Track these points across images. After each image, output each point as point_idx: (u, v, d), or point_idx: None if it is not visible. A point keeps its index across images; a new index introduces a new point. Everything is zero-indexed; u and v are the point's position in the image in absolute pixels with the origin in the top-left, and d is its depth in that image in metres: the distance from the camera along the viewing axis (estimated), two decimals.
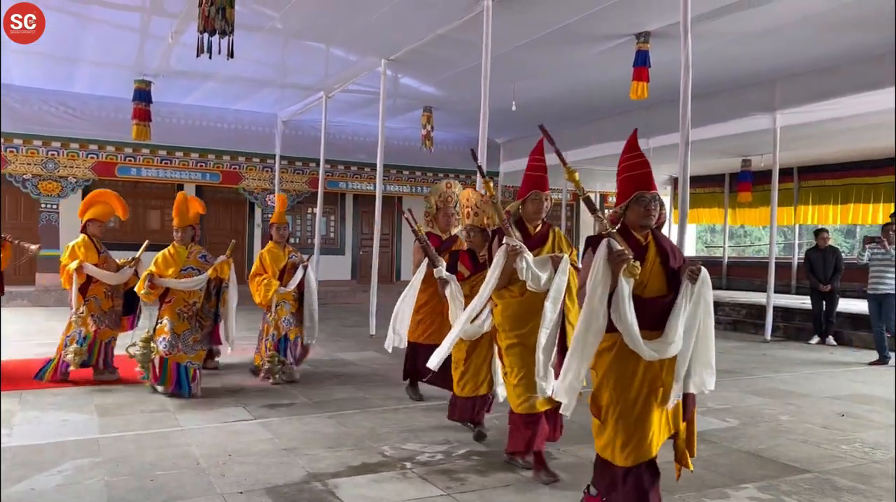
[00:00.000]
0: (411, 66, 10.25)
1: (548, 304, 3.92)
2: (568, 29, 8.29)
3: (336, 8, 8.24)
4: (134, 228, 15.20)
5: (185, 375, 5.97)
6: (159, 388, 6.05)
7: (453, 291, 4.74)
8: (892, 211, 10.31)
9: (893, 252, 8.78)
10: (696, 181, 17.10)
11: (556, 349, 3.92)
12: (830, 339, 10.72)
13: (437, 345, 5.07)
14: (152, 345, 6.01)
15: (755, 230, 27.75)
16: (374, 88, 10.76)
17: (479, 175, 4.21)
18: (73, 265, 6.40)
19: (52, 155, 13.55)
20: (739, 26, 8.05)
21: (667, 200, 20.71)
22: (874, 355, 9.05)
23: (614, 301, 3.05)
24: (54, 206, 13.74)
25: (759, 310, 11.61)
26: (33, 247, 6.95)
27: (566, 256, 4.07)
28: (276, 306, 6.78)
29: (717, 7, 7.36)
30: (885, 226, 9.29)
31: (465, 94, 10.78)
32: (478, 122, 7.53)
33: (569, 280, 4.02)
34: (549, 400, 3.93)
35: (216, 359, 7.40)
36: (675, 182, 17.20)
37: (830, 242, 10.93)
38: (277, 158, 15.07)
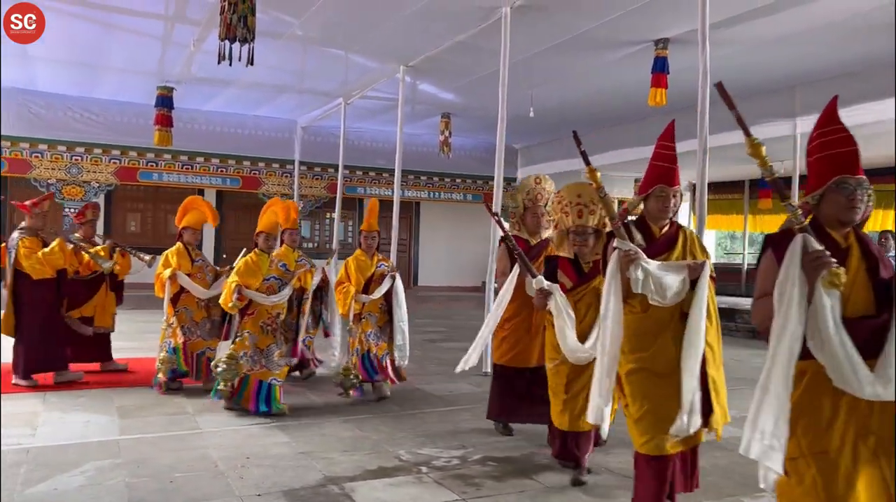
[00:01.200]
0: (430, 73, 10.31)
1: (693, 322, 3.21)
2: (586, 35, 8.30)
3: (355, 15, 8.31)
4: (155, 232, 15.40)
5: (266, 393, 5.56)
6: (221, 401, 5.64)
7: (559, 304, 3.96)
8: None
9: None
10: (716, 187, 16.98)
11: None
12: None
13: (525, 369, 4.80)
14: (240, 362, 5.52)
15: None
16: (392, 95, 10.83)
17: (583, 162, 3.47)
18: (167, 273, 6.22)
19: (76, 160, 13.76)
20: (758, 32, 8.01)
21: (685, 206, 20.63)
22: None
23: (809, 320, 2.36)
24: (77, 211, 13.93)
25: None
26: (147, 257, 6.90)
27: (708, 263, 3.35)
28: (362, 318, 6.23)
29: (736, 14, 7.34)
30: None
31: (483, 100, 10.83)
32: (496, 127, 7.56)
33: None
34: (685, 439, 3.28)
35: (314, 368, 7.22)
36: (693, 188, 17.11)
37: None
38: (297, 164, 15.18)
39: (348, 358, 6.30)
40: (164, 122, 11.63)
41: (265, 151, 15.08)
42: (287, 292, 5.72)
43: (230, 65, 5.38)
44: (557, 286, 4.03)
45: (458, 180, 17.36)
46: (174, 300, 6.33)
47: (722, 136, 10.08)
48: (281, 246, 6.34)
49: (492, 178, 7.83)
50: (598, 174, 3.39)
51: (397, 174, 10.33)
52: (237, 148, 14.83)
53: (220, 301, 5.62)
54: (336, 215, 12.90)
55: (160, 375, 6.28)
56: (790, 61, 9.15)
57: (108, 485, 3.95)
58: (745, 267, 18.02)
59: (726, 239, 27.50)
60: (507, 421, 5.16)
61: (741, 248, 19.23)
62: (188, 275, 6.33)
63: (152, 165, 14.39)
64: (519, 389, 4.88)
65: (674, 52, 8.40)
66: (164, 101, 11.60)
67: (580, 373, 4.03)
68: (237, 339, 5.61)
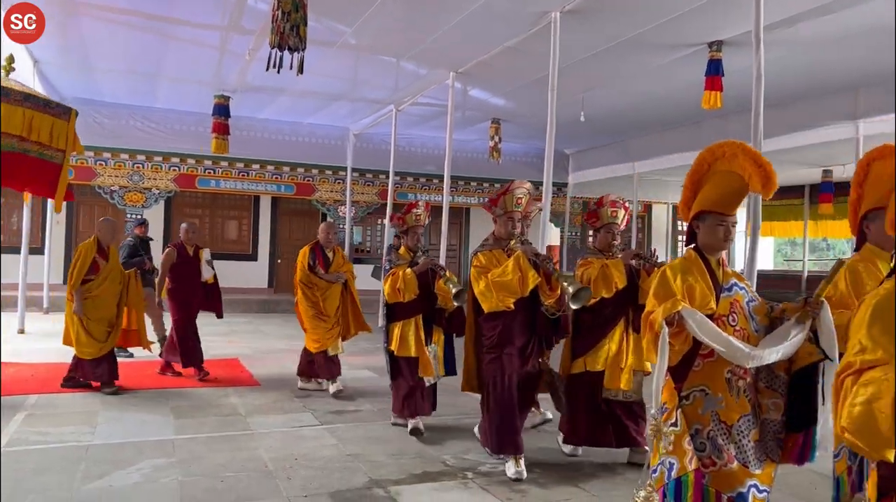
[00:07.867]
0: (480, 79, 10.31)
1: None
2: (637, 39, 8.18)
3: (406, 22, 8.37)
4: (212, 237, 15.80)
5: None
6: None
7: None
8: None
9: None
10: (775, 192, 16.53)
11: None
12: None
13: None
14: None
15: (839, 243, 26.64)
16: (442, 101, 10.87)
17: None
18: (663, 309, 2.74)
19: (138, 167, 14.21)
20: (816, 33, 7.76)
21: (742, 212, 20.13)
22: None
23: None
24: (139, 216, 14.38)
25: None
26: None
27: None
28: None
29: (792, 14, 7.13)
30: None
31: (533, 105, 10.76)
32: (546, 132, 7.51)
33: None
34: None
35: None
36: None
37: None
38: (349, 170, 15.38)
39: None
40: (221, 129, 11.92)
41: (318, 158, 15.31)
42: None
43: (278, 72, 5.46)
44: None
45: None
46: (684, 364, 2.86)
47: (780, 140, 9.88)
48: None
49: (542, 184, 7.77)
50: None
51: (446, 180, 10.36)
52: (291, 155, 15.08)
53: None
54: (387, 221, 12.99)
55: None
56: (851, 62, 8.84)
57: (161, 483, 4.07)
58: (805, 273, 17.48)
59: (787, 245, 26.77)
60: None
61: (801, 255, 18.70)
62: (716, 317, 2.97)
63: (210, 172, 14.74)
64: None
65: (728, 55, 8.21)
66: (221, 109, 11.89)
67: None
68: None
